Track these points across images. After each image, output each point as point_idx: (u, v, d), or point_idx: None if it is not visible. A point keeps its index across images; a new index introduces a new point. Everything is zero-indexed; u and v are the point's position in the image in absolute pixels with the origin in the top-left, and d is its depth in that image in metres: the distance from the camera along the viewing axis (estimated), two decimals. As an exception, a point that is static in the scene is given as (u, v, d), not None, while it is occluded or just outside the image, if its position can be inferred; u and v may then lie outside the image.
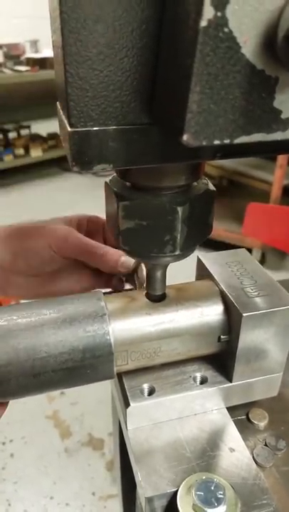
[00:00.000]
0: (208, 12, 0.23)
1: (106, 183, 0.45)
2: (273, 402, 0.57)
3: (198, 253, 0.58)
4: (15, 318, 0.44)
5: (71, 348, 0.44)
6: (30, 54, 4.40)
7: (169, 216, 0.41)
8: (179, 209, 0.41)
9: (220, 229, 2.88)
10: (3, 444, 1.75)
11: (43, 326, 0.44)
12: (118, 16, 0.29)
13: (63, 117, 0.35)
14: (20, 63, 4.26)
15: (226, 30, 0.24)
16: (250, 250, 2.81)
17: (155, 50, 0.31)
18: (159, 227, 0.42)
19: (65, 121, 0.33)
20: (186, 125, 0.27)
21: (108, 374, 0.47)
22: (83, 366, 0.45)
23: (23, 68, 4.13)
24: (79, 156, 0.33)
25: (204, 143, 0.27)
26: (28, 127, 4.56)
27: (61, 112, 0.37)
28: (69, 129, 0.32)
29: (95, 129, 0.32)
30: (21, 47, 4.45)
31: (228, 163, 3.47)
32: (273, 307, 0.48)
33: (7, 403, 0.47)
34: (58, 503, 1.55)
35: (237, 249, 0.59)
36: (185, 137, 0.27)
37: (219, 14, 0.24)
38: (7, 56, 4.31)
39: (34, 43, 4.51)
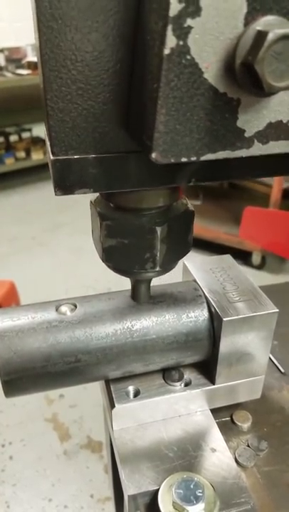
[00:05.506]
0: (171, 41, 0.25)
1: (91, 202, 0.47)
2: (257, 404, 0.59)
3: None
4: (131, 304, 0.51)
5: (176, 331, 0.50)
6: (31, 57, 4.43)
7: (148, 235, 0.44)
8: (158, 229, 0.43)
9: (220, 232, 2.88)
10: (3, 446, 1.76)
11: (150, 312, 0.51)
12: (95, 56, 0.32)
13: (47, 144, 0.37)
14: (21, 67, 4.29)
15: (188, 57, 0.26)
16: (250, 253, 2.82)
17: (129, 85, 0.33)
18: (140, 245, 0.44)
19: (48, 149, 0.36)
20: (154, 144, 0.29)
21: (207, 355, 0.53)
22: (186, 348, 0.51)
23: (24, 72, 4.15)
24: (61, 182, 0.36)
25: (172, 160, 0.29)
26: (30, 130, 4.58)
27: (46, 139, 0.39)
28: (51, 157, 0.35)
29: (75, 157, 0.35)
30: (22, 50, 4.48)
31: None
32: (253, 312, 0.50)
33: None
34: (56, 505, 1.56)
35: (222, 255, 0.61)
36: (154, 155, 0.29)
37: (181, 43, 0.25)
38: (8, 60, 4.35)
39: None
